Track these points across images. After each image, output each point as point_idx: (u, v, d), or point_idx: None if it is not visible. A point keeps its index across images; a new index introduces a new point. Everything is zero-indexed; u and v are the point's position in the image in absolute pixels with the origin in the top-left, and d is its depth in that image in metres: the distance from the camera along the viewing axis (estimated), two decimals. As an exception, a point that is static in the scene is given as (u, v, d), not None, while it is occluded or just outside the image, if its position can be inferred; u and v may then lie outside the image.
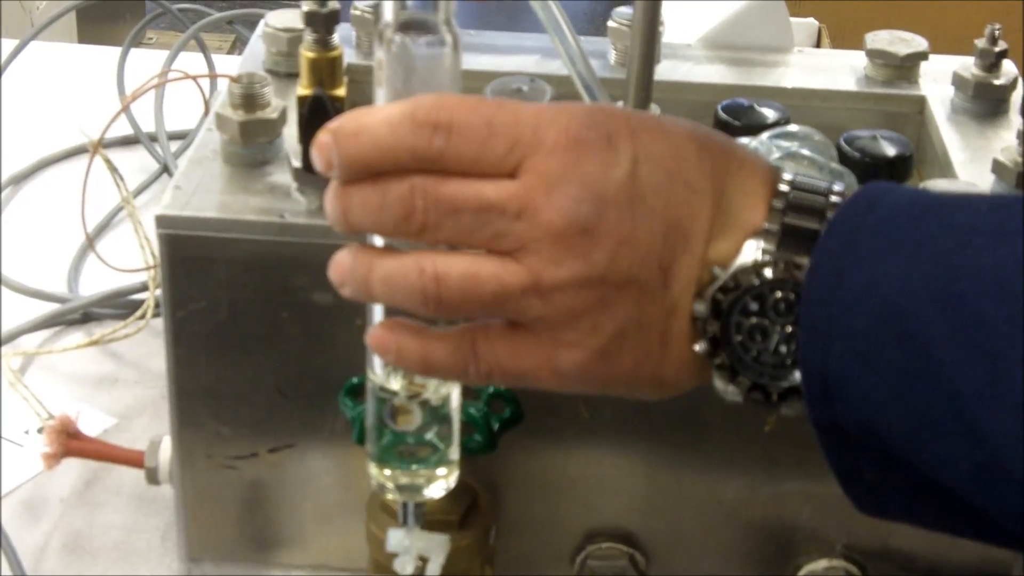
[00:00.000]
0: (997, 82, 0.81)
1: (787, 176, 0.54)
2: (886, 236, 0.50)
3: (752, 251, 0.52)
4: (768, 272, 0.52)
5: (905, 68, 0.84)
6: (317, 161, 0.52)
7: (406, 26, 0.53)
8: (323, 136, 0.52)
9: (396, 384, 0.58)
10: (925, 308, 0.48)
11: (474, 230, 0.51)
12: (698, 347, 0.54)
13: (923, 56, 0.84)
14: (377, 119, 0.52)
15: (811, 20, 1.40)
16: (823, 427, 0.52)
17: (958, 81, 0.82)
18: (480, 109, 0.51)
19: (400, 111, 0.51)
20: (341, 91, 0.71)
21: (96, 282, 1.01)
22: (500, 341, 0.54)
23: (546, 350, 0.53)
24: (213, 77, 1.17)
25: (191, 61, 1.17)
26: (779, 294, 0.52)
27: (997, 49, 0.82)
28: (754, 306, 0.52)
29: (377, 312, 0.56)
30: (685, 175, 0.52)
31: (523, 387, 0.55)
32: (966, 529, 0.53)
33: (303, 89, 0.71)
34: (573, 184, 0.51)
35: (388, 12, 0.54)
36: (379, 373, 0.58)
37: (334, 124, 0.52)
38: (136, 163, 1.15)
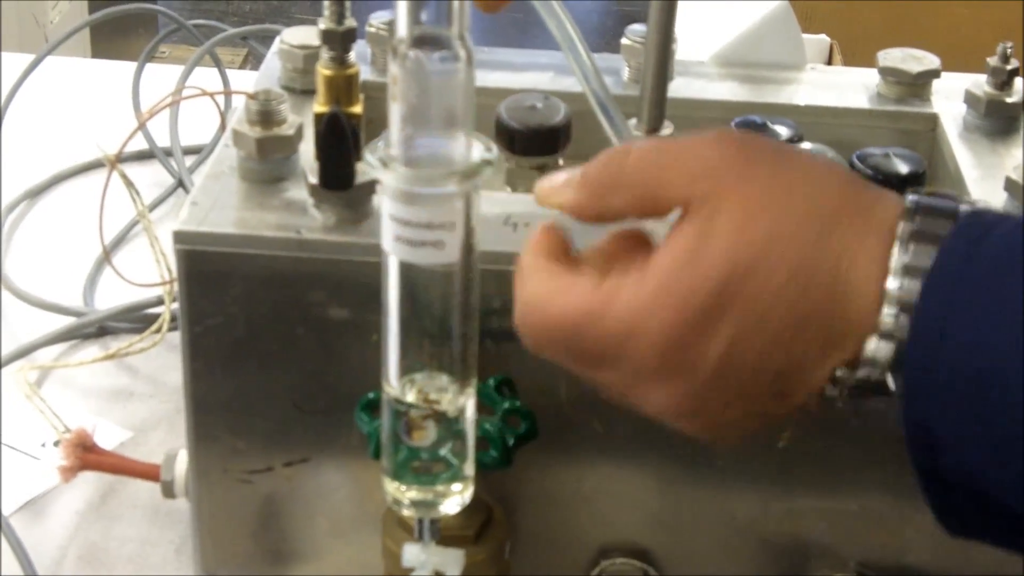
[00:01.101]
0: (1009, 100, 0.82)
1: (903, 224, 0.51)
2: (987, 294, 0.49)
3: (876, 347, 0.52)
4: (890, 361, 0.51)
5: (917, 86, 0.84)
6: None
7: (420, 41, 0.54)
8: None
9: (411, 397, 0.58)
10: None
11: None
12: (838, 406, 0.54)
13: (935, 74, 0.84)
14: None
15: (823, 37, 1.40)
16: (924, 472, 0.52)
17: (970, 99, 0.82)
18: (570, 324, 0.54)
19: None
20: (357, 108, 0.71)
21: (112, 296, 1.02)
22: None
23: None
24: (229, 94, 1.17)
25: (204, 75, 1.18)
26: None
27: (1009, 67, 0.82)
28: (888, 382, 0.52)
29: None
30: (788, 324, 0.51)
31: None
32: None
33: (320, 106, 0.71)
34: (669, 383, 0.52)
35: (402, 27, 0.54)
36: (395, 386, 0.58)
37: None
38: (151, 178, 1.16)
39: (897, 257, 0.50)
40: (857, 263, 0.51)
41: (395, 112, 0.55)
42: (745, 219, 0.51)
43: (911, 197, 0.52)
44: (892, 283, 0.51)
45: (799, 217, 0.51)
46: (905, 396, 0.51)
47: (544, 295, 0.54)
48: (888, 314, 0.50)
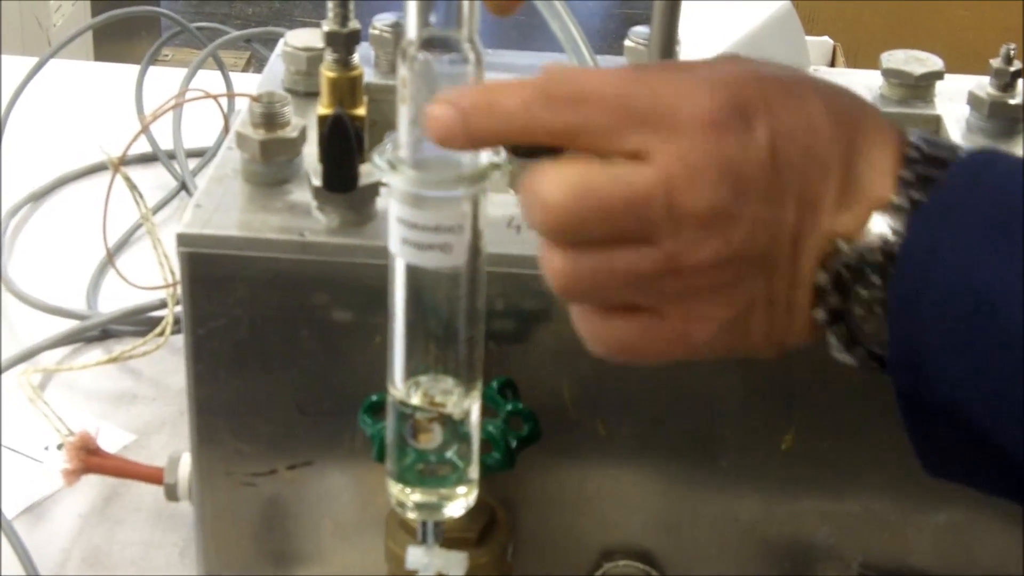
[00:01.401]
0: (1012, 101, 0.82)
1: (915, 141, 0.53)
2: (983, 223, 0.50)
3: (879, 223, 0.52)
4: (893, 249, 0.52)
5: (920, 87, 0.84)
6: (435, 130, 0.52)
7: (429, 44, 0.54)
8: (444, 110, 0.52)
9: (416, 400, 0.58)
10: (1017, 306, 0.48)
11: (625, 228, 0.52)
12: (818, 316, 0.53)
13: (938, 75, 0.84)
14: (509, 96, 0.52)
15: (826, 39, 1.40)
16: (904, 394, 0.52)
17: (973, 100, 0.82)
18: (617, 85, 0.51)
19: (533, 87, 0.52)
20: (361, 110, 0.71)
21: (115, 299, 1.02)
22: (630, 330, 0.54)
23: (679, 329, 0.53)
24: (232, 96, 1.17)
25: (207, 78, 1.18)
26: None
27: (1012, 69, 0.82)
28: (876, 279, 0.52)
29: None
30: (818, 151, 0.52)
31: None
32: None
33: (323, 108, 0.71)
34: (713, 169, 0.51)
35: (411, 30, 0.54)
36: (400, 388, 0.58)
37: (462, 101, 0.52)
38: (153, 180, 1.16)
39: (905, 171, 0.52)
40: (873, 152, 0.53)
41: (404, 114, 0.55)
42: (773, 67, 0.54)
43: (916, 133, 0.54)
44: (904, 171, 0.52)
45: (823, 85, 0.54)
46: (893, 312, 0.51)
47: (577, 73, 0.54)
48: (899, 194, 0.52)
